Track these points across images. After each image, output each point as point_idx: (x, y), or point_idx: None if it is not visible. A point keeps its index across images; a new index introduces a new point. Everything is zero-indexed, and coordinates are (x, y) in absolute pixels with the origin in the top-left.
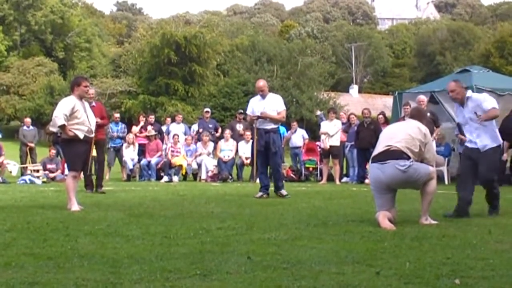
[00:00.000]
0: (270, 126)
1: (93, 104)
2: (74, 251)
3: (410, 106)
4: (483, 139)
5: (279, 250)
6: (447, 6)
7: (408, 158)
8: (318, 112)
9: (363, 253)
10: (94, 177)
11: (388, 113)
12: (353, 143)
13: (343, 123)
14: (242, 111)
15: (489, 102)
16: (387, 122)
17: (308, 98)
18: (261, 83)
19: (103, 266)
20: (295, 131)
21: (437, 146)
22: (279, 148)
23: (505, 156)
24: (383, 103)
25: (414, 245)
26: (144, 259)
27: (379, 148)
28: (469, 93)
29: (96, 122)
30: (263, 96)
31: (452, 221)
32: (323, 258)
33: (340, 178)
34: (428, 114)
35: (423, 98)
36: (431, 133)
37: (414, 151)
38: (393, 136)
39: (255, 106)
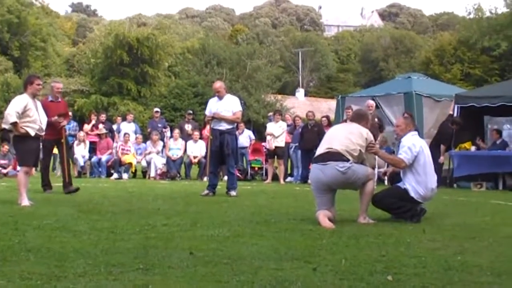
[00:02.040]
0: (225, 127)
1: (60, 100)
2: (21, 245)
3: (352, 109)
4: (406, 179)
5: (221, 246)
6: (391, 15)
7: (348, 160)
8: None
9: (302, 250)
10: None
11: (332, 116)
12: (297, 144)
13: (288, 125)
14: (191, 111)
15: (402, 150)
16: (330, 124)
17: (256, 101)
18: (218, 84)
19: (49, 259)
20: (242, 132)
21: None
22: (234, 150)
23: (442, 159)
24: (327, 106)
25: (351, 243)
26: (89, 253)
27: (321, 149)
28: (409, 135)
29: (59, 120)
30: (220, 97)
31: (389, 220)
32: (263, 254)
33: (285, 178)
34: (376, 119)
35: (372, 103)
36: (375, 138)
37: (353, 154)
38: (334, 138)
39: (212, 106)
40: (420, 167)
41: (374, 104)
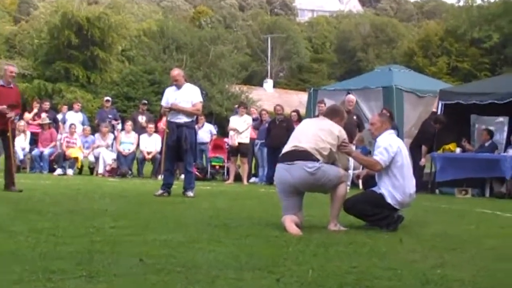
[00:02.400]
0: (183, 119)
1: (12, 85)
2: None
3: (325, 104)
4: (382, 184)
5: (175, 252)
6: (371, 0)
7: (317, 160)
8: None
9: (265, 259)
10: None
11: (303, 111)
12: (263, 141)
13: (254, 119)
14: (146, 101)
15: (378, 151)
16: (300, 120)
17: (219, 91)
18: (175, 72)
19: None
20: (202, 126)
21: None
22: (192, 145)
23: (423, 161)
24: (298, 100)
25: (319, 252)
26: (26, 257)
27: (288, 147)
28: (385, 134)
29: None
30: (178, 87)
31: (363, 228)
32: (221, 262)
33: (248, 178)
34: (354, 117)
35: (352, 98)
36: (353, 137)
37: (323, 153)
38: (303, 135)
39: (169, 96)
40: (398, 170)
41: (355, 100)
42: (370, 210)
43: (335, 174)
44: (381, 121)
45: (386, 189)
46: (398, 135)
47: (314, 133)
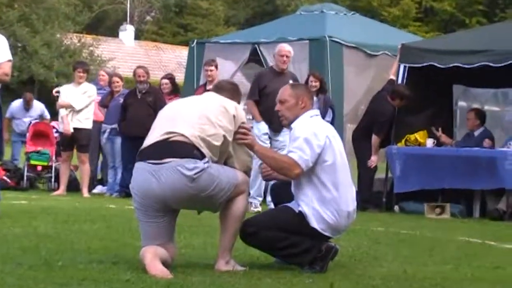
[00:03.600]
0: None
1: None
2: None
3: (217, 67)
4: (302, 197)
5: None
6: None
7: (202, 156)
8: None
9: None
10: None
11: (181, 78)
12: (115, 126)
13: (100, 89)
14: None
15: (294, 145)
16: (176, 92)
17: (45, 44)
18: None
19: None
20: (29, 107)
21: None
22: None
23: (373, 160)
24: (175, 59)
25: None
26: None
27: (153, 136)
28: (305, 118)
29: None
30: None
31: (273, 266)
32: None
33: (91, 187)
34: (290, 81)
35: (288, 49)
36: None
37: (212, 144)
38: (180, 117)
39: None
40: (327, 174)
41: (292, 52)
42: (284, 239)
43: (230, 180)
44: (296, 95)
45: (309, 205)
46: (334, 119)
47: (199, 113)
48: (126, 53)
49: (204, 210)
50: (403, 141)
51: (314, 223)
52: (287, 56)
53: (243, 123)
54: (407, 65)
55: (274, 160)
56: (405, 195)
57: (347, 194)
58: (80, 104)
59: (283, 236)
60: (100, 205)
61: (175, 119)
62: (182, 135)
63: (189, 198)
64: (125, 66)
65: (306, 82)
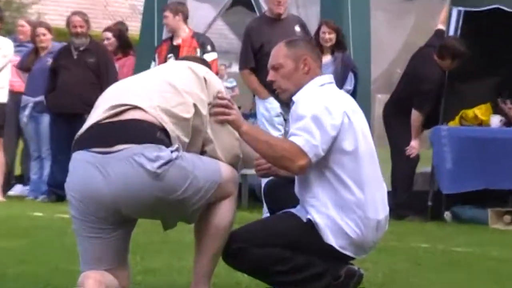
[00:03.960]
0: None
1: None
2: None
3: (184, 14)
4: (310, 200)
5: None
6: None
7: (167, 139)
8: None
9: None
10: None
11: (135, 27)
12: (41, 98)
13: (19, 46)
14: None
15: (297, 126)
16: (126, 48)
17: None
18: None
19: None
20: None
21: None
22: None
23: (413, 146)
24: (128, 1)
25: None
26: None
27: (96, 114)
28: (311, 87)
29: None
30: None
31: None
32: None
33: (7, 186)
34: (297, 28)
35: None
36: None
37: (181, 117)
38: (130, 88)
39: None
40: (347, 168)
41: None
42: (285, 260)
43: (211, 176)
44: (295, 55)
45: (322, 212)
46: (356, 87)
47: (158, 80)
48: None
49: (173, 222)
50: (457, 118)
51: (330, 238)
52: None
53: (219, 91)
54: (462, 9)
55: (269, 146)
56: (460, 197)
57: (376, 196)
58: None
59: (284, 255)
60: (20, 212)
61: (125, 90)
62: (137, 107)
63: (151, 203)
64: (55, 12)
65: (317, 34)
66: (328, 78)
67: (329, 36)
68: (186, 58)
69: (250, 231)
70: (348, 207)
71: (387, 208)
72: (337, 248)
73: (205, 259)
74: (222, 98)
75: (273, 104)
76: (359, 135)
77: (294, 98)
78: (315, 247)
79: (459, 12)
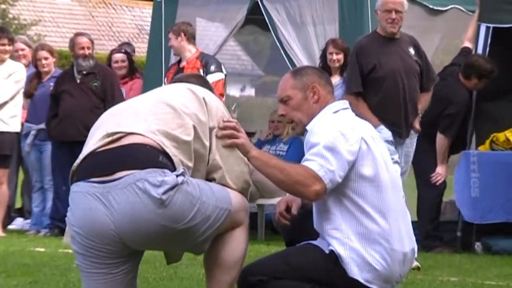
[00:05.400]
0: None
1: None
2: None
3: (183, 34)
4: (330, 231)
5: None
6: None
7: (172, 166)
8: None
9: None
10: None
11: (143, 48)
12: (42, 126)
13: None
14: None
15: (312, 152)
16: (133, 72)
17: None
18: None
19: None
20: None
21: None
22: None
23: (439, 173)
24: (134, 22)
25: None
26: None
27: (91, 143)
28: (325, 114)
29: None
30: None
31: None
32: None
33: (6, 220)
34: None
35: None
36: None
37: (182, 139)
38: (125, 112)
39: None
40: (367, 195)
41: (405, 4)
42: None
43: (220, 203)
44: (302, 85)
45: (345, 244)
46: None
47: (153, 101)
48: (58, 13)
49: (179, 254)
50: (487, 142)
51: (355, 271)
52: (396, 11)
53: (222, 114)
54: (490, 25)
55: (280, 171)
56: (492, 227)
57: (401, 227)
58: (4, 94)
59: None
60: (21, 248)
61: (120, 116)
62: (133, 133)
63: (157, 232)
64: (57, 33)
65: (323, 54)
66: (342, 104)
67: (337, 57)
68: (185, 77)
69: (270, 263)
70: (373, 238)
71: (414, 240)
72: (363, 282)
73: None
74: (230, 121)
75: (384, 134)
76: (379, 161)
77: (307, 127)
78: (339, 281)
79: (487, 28)
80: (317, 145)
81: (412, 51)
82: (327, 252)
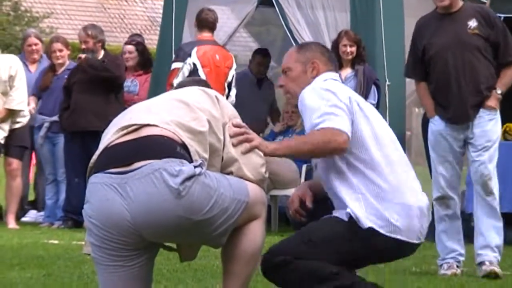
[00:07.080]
0: None
1: None
2: None
3: (212, 19)
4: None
5: None
6: None
7: (189, 157)
8: None
9: None
10: None
11: (154, 40)
12: (57, 118)
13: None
14: None
15: (317, 115)
16: (147, 65)
17: None
18: None
19: None
20: None
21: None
22: None
23: None
24: (146, 14)
25: None
26: None
27: (113, 131)
28: (317, 81)
29: None
30: None
31: None
32: None
33: (20, 212)
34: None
35: None
36: None
37: (197, 130)
38: (140, 108)
39: None
40: (369, 150)
41: None
42: (333, 278)
43: (238, 195)
44: (305, 58)
45: (358, 198)
46: (379, 101)
47: (168, 98)
48: (71, 5)
49: (195, 249)
50: (503, 130)
51: (376, 227)
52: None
53: (233, 112)
54: (502, 15)
55: (305, 143)
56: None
57: (410, 179)
58: (22, 101)
59: (331, 271)
60: (34, 240)
61: (134, 113)
62: (148, 125)
63: (175, 223)
64: (70, 25)
65: (335, 45)
66: (334, 75)
67: (350, 50)
68: (188, 83)
69: (293, 242)
70: (385, 196)
71: (425, 197)
72: (386, 234)
73: (238, 283)
74: (239, 126)
75: (438, 126)
76: (371, 118)
77: (300, 97)
78: (361, 247)
79: (499, 18)
80: (313, 108)
81: (473, 23)
82: (346, 218)
